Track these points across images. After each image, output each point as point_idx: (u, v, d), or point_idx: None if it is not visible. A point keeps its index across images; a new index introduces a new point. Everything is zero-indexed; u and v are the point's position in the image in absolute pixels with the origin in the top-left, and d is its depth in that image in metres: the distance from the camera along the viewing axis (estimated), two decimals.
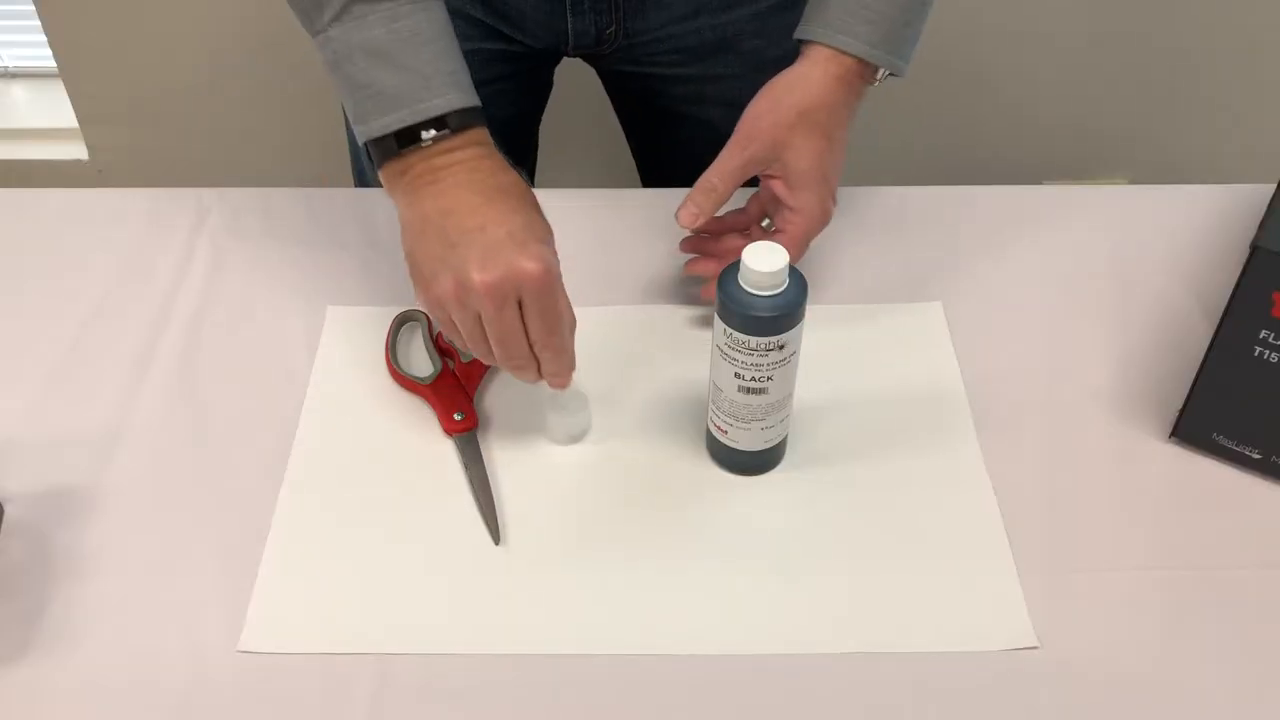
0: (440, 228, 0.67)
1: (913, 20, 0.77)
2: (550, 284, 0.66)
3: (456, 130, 0.69)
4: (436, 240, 0.67)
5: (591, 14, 0.90)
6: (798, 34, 0.78)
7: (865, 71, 0.76)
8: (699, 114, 1.00)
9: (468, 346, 0.70)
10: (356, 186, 1.12)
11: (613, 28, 0.91)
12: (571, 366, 0.71)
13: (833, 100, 0.76)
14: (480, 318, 0.67)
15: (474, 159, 0.69)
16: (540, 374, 0.71)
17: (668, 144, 1.06)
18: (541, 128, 1.10)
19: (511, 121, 1.03)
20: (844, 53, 0.75)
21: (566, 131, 1.27)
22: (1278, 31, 1.68)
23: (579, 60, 1.00)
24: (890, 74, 0.78)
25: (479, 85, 0.95)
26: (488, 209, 0.67)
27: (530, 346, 0.68)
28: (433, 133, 0.68)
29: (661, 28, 0.92)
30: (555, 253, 0.68)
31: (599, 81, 1.05)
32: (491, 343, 0.68)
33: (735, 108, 0.98)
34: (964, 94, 1.36)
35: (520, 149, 1.09)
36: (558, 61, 1.02)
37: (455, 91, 0.69)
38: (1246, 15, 1.66)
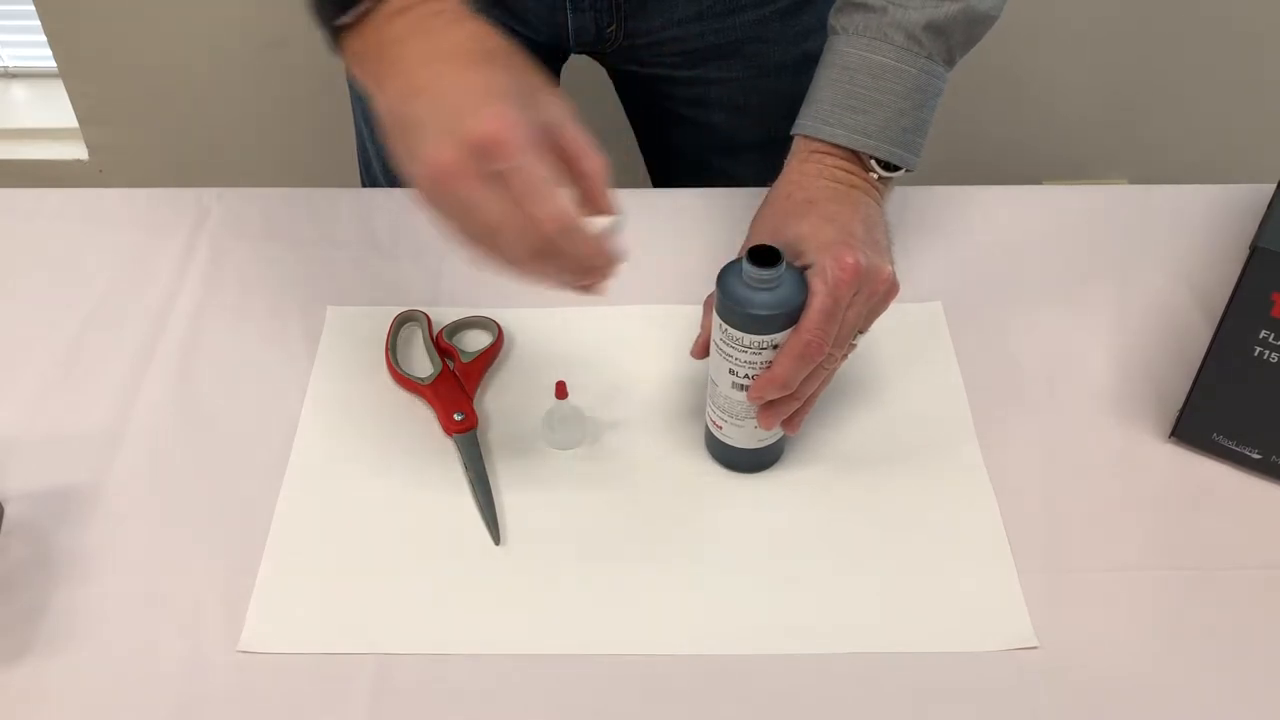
0: (401, 116, 0.59)
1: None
2: (506, 143, 0.55)
3: None
4: (401, 132, 0.58)
5: (591, 12, 0.90)
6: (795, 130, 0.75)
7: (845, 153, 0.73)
8: (702, 117, 1.00)
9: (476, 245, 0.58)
10: (363, 186, 1.12)
11: (613, 26, 0.91)
12: (597, 255, 0.59)
13: (814, 184, 0.72)
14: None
15: (423, 19, 0.60)
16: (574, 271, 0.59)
17: (673, 146, 1.06)
18: None
19: None
20: (812, 139, 0.74)
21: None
22: (1277, 32, 1.68)
23: (587, 61, 1.00)
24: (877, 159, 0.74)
25: None
26: (439, 80, 0.58)
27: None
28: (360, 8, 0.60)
29: (663, 29, 0.92)
30: (520, 110, 0.57)
31: (606, 83, 1.06)
32: (492, 238, 0.57)
33: (738, 112, 0.98)
34: (964, 94, 1.35)
35: None
36: (564, 59, 1.02)
37: None
38: (1246, 15, 1.66)
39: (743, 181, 1.02)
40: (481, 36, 0.60)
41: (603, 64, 1.01)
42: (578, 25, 0.91)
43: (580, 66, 1.01)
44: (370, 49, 0.61)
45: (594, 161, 0.60)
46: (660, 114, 1.03)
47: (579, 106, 0.99)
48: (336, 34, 0.62)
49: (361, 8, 0.60)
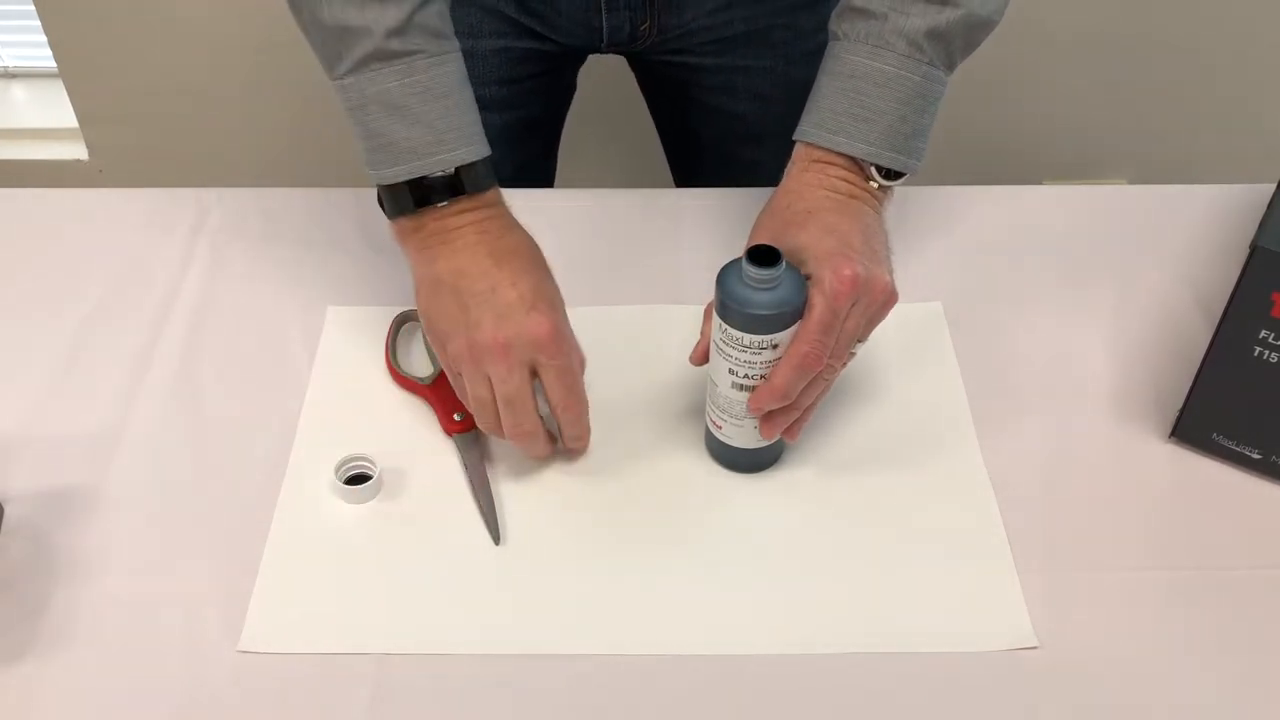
0: (454, 289, 0.69)
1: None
2: (562, 345, 0.68)
3: (471, 191, 0.70)
4: (451, 301, 0.69)
5: (626, 11, 0.90)
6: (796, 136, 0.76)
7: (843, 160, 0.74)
8: (729, 106, 1.00)
9: (475, 413, 0.71)
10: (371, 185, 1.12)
11: (647, 23, 0.91)
12: (589, 430, 0.73)
13: (814, 194, 0.73)
14: (490, 381, 0.68)
15: (484, 219, 0.71)
16: (547, 447, 0.72)
17: (698, 137, 1.07)
18: (563, 130, 1.10)
19: (537, 120, 1.03)
20: (814, 146, 0.74)
21: (587, 133, 1.27)
22: (1277, 32, 1.68)
23: (603, 63, 1.00)
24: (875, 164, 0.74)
25: (508, 83, 0.96)
26: (498, 271, 0.69)
27: (538, 416, 0.70)
28: (446, 200, 0.70)
29: (693, 21, 0.92)
30: (565, 317, 0.70)
31: (620, 85, 1.05)
32: (500, 406, 0.69)
33: (765, 101, 0.99)
34: (965, 94, 1.36)
35: (544, 148, 1.09)
36: (583, 62, 1.02)
37: (466, 146, 0.70)
38: (1246, 15, 1.66)
39: (767, 171, 1.02)
40: (530, 244, 0.72)
41: (626, 57, 1.01)
42: (613, 25, 0.92)
43: (596, 63, 1.01)
44: (430, 229, 0.71)
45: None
46: (686, 104, 1.03)
47: (595, 105, 1.00)
48: (394, 216, 0.72)
49: (434, 210, 0.70)
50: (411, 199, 0.70)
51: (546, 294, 0.69)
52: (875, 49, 0.73)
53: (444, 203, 0.70)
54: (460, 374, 0.70)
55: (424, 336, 0.81)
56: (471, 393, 0.70)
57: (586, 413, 0.72)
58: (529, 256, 0.71)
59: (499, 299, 0.68)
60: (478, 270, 0.69)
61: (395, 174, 0.70)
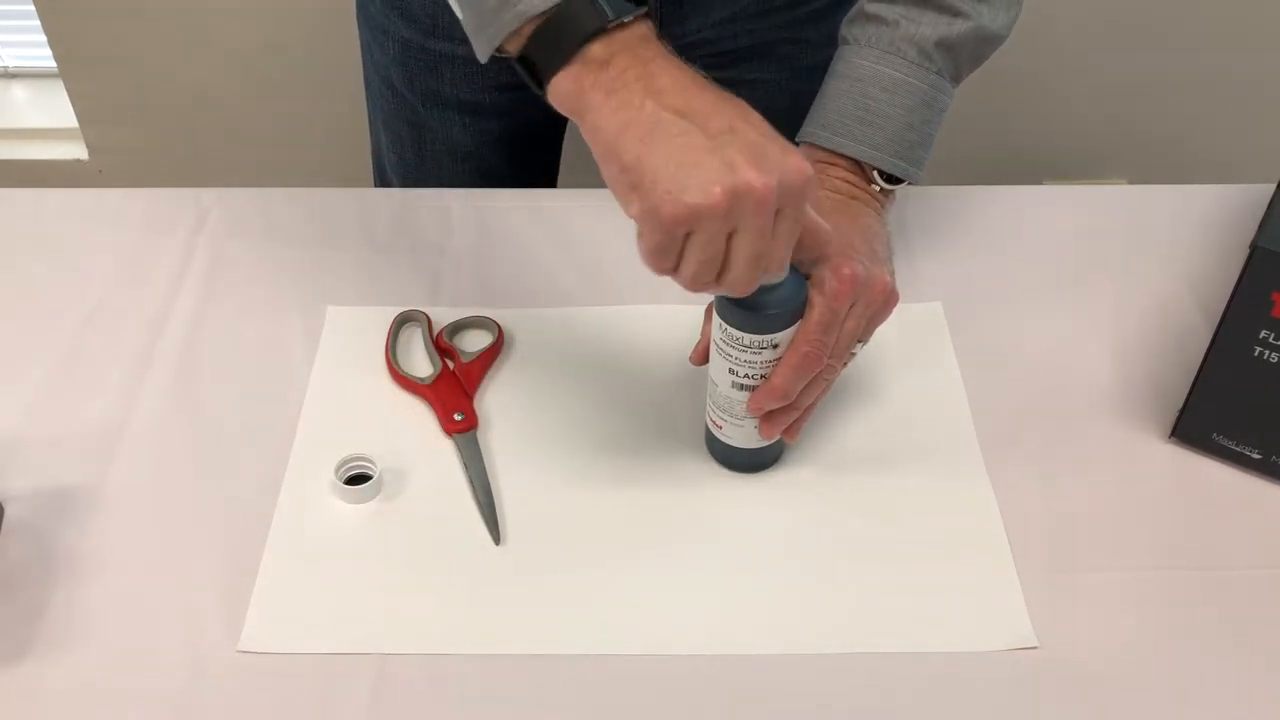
0: (686, 129, 0.57)
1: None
2: (812, 189, 0.59)
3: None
4: (686, 143, 0.57)
5: None
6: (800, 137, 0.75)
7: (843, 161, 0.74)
8: None
9: (694, 275, 0.60)
10: (376, 185, 1.12)
11: None
12: None
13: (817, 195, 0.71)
14: (733, 233, 0.57)
15: (664, 54, 0.60)
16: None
17: None
18: (565, 135, 1.10)
19: (540, 125, 1.03)
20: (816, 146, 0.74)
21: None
22: (1277, 32, 1.68)
23: None
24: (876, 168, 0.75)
25: (510, 89, 0.95)
26: (725, 108, 0.58)
27: None
28: (631, 15, 0.59)
29: (698, 32, 0.92)
30: None
31: None
32: (749, 264, 0.58)
33: (770, 114, 0.98)
34: (965, 94, 1.36)
35: (546, 153, 1.09)
36: None
37: None
38: (1247, 15, 1.66)
39: None
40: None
41: None
42: None
43: None
44: (622, 61, 0.59)
45: None
46: None
47: None
48: (584, 42, 0.59)
49: (627, 30, 0.59)
50: (608, 8, 0.58)
51: (778, 131, 0.59)
52: (885, 55, 0.73)
53: (630, 18, 0.59)
54: (694, 231, 0.57)
55: (423, 331, 0.82)
56: (699, 254, 0.58)
57: None
58: (729, 95, 0.60)
59: (744, 139, 0.57)
60: (705, 107, 0.58)
61: None
